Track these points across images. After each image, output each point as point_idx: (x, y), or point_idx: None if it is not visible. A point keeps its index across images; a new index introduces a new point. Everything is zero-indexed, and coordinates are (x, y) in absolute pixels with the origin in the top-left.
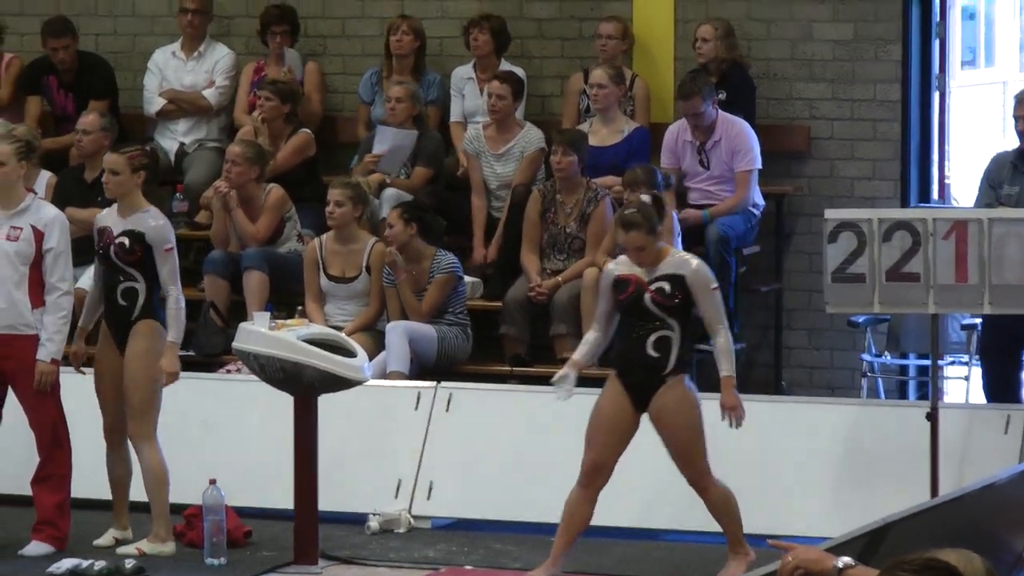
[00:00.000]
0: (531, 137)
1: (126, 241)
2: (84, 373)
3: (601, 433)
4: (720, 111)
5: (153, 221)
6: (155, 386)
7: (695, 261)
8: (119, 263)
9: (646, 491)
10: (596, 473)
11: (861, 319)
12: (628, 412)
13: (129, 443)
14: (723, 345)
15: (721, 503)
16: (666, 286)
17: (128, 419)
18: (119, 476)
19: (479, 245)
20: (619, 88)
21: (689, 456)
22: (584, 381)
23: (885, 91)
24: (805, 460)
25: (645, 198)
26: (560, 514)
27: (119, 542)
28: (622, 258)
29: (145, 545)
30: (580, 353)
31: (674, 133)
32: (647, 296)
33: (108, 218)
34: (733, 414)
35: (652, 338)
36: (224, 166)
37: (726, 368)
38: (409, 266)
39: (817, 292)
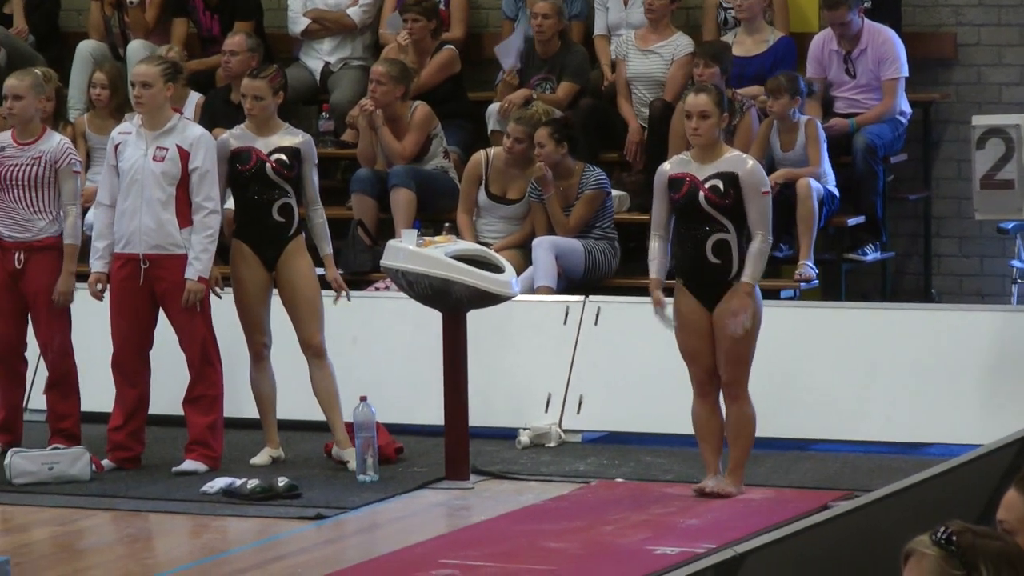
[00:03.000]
0: (682, 42)
1: (284, 157)
2: (219, 296)
3: (691, 344)
4: (866, 19)
5: (301, 137)
6: (321, 295)
7: (751, 162)
8: (278, 179)
9: (795, 403)
10: (707, 382)
11: (1010, 225)
12: (705, 316)
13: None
14: (757, 249)
15: (743, 421)
16: (720, 184)
17: (302, 331)
18: (266, 393)
19: (633, 147)
20: None
21: (737, 362)
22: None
23: None
24: (956, 367)
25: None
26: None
27: (275, 460)
28: (676, 157)
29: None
30: (655, 271)
31: (820, 43)
32: (701, 195)
33: (245, 139)
34: (734, 320)
35: (710, 243)
36: (369, 86)
37: (748, 274)
38: (558, 182)
39: (966, 199)
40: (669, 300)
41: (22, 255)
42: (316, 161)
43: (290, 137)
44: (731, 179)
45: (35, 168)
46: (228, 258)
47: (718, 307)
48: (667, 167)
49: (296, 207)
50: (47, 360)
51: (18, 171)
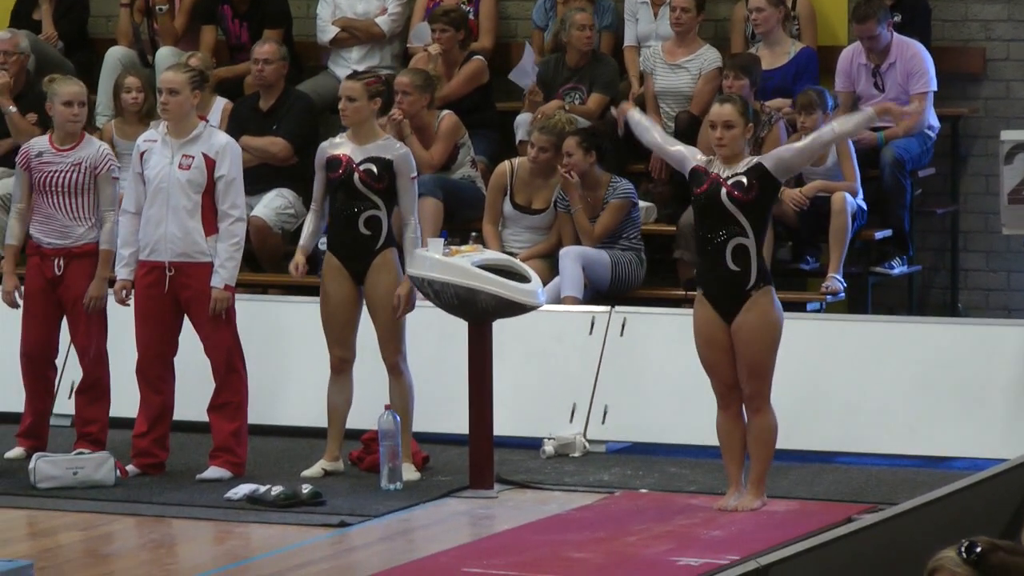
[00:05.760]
0: (709, 56)
1: (374, 168)
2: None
3: (710, 356)
4: (895, 33)
5: (400, 148)
6: (395, 311)
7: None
8: (365, 190)
9: (820, 415)
10: (728, 394)
11: None
12: (723, 330)
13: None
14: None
15: (765, 432)
16: (743, 179)
17: (380, 347)
18: (338, 406)
19: (657, 163)
20: (778, 10)
21: (758, 375)
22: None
23: None
24: (982, 381)
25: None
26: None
27: (328, 473)
28: (703, 156)
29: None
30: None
31: (849, 56)
32: (724, 191)
33: (342, 147)
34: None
35: (730, 248)
36: (395, 98)
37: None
38: (586, 192)
39: (994, 214)
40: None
41: (61, 261)
42: (414, 175)
43: (386, 149)
44: (755, 170)
45: (75, 174)
46: (253, 266)
47: (736, 319)
48: (696, 155)
49: (385, 220)
50: (83, 365)
51: (57, 177)
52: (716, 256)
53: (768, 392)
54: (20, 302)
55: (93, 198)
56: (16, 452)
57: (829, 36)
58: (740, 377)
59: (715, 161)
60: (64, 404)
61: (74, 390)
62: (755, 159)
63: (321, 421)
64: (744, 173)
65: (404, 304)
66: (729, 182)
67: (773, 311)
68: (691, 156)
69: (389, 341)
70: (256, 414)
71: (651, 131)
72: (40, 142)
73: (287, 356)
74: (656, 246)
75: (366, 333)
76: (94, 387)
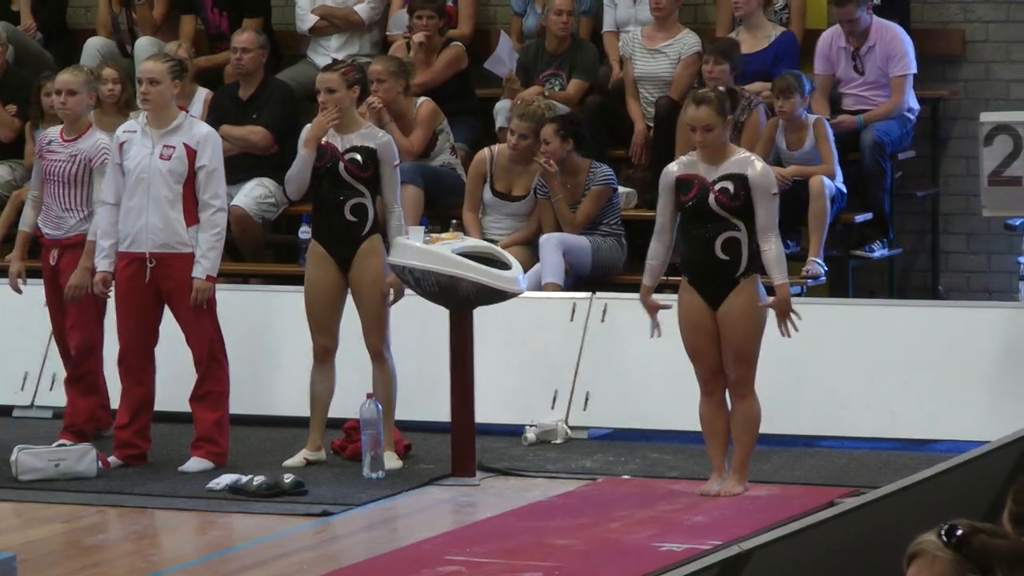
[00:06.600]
0: (688, 41)
1: (359, 157)
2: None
3: (695, 342)
4: (874, 16)
5: (383, 137)
6: (386, 300)
7: (760, 164)
8: (350, 179)
9: (801, 399)
10: (712, 380)
11: (1018, 222)
12: (709, 316)
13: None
14: (776, 250)
15: (749, 418)
16: (730, 186)
17: (364, 333)
18: (321, 395)
19: (637, 149)
20: None
21: (744, 359)
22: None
23: None
24: (963, 364)
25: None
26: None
27: (310, 463)
28: (683, 158)
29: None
30: (648, 278)
31: (828, 39)
32: (711, 197)
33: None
34: (789, 321)
35: (720, 240)
36: (371, 86)
37: (779, 276)
38: (565, 179)
39: (974, 196)
40: (670, 299)
41: (56, 253)
42: (397, 162)
43: (369, 137)
44: (741, 181)
45: (71, 165)
46: (234, 255)
47: (723, 305)
48: (674, 168)
49: (371, 208)
50: (73, 356)
51: (58, 167)
52: (706, 247)
53: (753, 378)
54: (23, 288)
55: (87, 190)
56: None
57: (814, 18)
58: (725, 363)
59: (697, 163)
60: (45, 395)
61: (56, 381)
62: (741, 169)
63: (303, 410)
64: (729, 179)
65: (397, 292)
66: (716, 187)
67: (759, 297)
68: (670, 176)
69: (374, 329)
70: (238, 404)
71: (657, 261)
72: (52, 132)
73: (269, 346)
74: (637, 231)
75: (348, 322)
76: (85, 378)
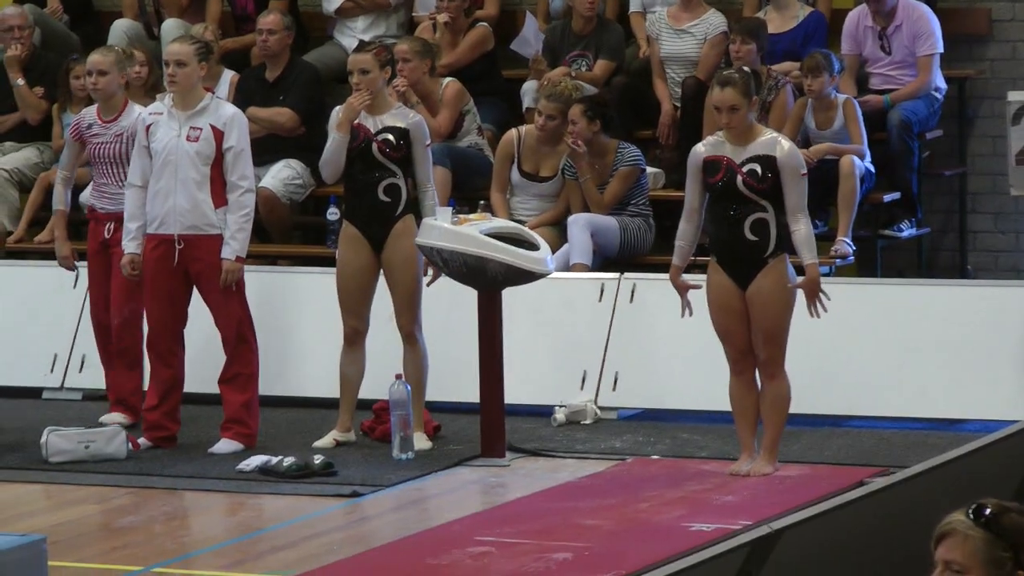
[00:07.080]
0: (714, 21)
1: (391, 137)
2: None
3: (724, 322)
4: None
5: (414, 117)
6: (421, 281)
7: (787, 144)
8: (383, 159)
9: (830, 379)
10: (741, 360)
11: None
12: (738, 296)
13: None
14: (805, 231)
15: (779, 398)
16: (757, 168)
17: (396, 314)
18: (351, 376)
19: (665, 129)
20: None
21: (775, 339)
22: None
23: None
24: (991, 343)
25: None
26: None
27: (339, 444)
28: (710, 138)
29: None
30: (678, 259)
31: (855, 19)
32: (739, 179)
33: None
34: (818, 301)
35: (748, 221)
36: (396, 66)
37: (809, 256)
38: (593, 160)
39: (1002, 175)
40: (699, 280)
41: (111, 225)
42: (428, 142)
43: (401, 118)
44: (768, 163)
45: (118, 145)
46: (262, 237)
47: (752, 285)
48: (701, 149)
49: (404, 187)
50: (115, 328)
51: (104, 148)
52: (734, 228)
53: (783, 358)
54: (76, 266)
55: None
56: (110, 417)
57: None
58: (755, 343)
59: (724, 143)
60: (75, 377)
61: (85, 364)
62: (768, 151)
63: (332, 392)
64: (757, 160)
65: (435, 273)
66: (744, 169)
67: (788, 278)
68: (697, 157)
69: (406, 309)
70: (267, 385)
71: (685, 241)
72: (89, 114)
73: (297, 327)
74: (664, 211)
75: (377, 304)
76: (126, 353)
